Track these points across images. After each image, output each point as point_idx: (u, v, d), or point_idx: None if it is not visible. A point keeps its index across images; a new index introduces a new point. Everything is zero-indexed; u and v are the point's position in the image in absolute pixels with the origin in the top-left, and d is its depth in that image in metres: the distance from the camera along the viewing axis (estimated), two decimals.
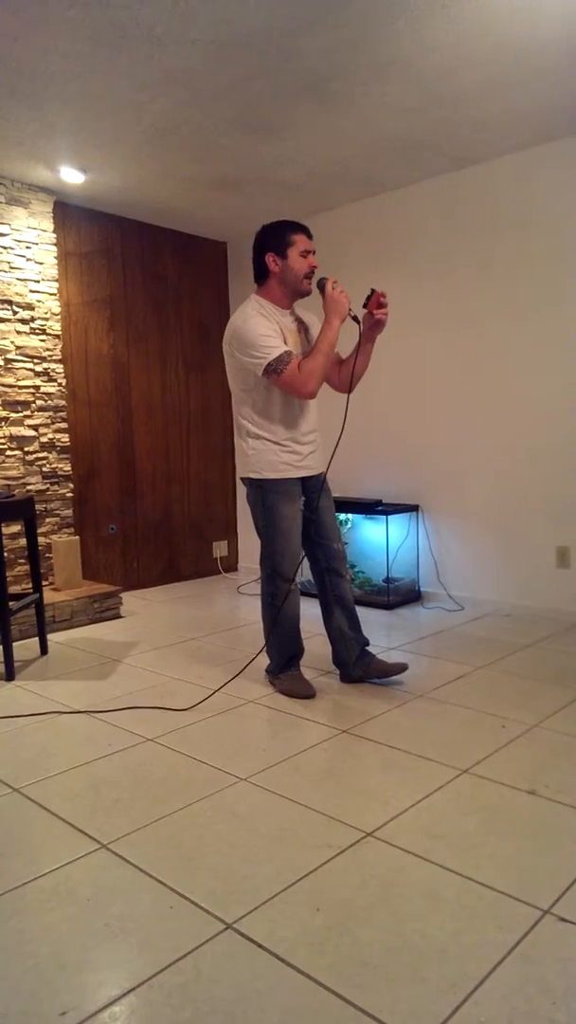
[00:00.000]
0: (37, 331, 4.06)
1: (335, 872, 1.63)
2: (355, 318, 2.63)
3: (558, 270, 3.67)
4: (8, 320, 3.92)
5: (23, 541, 3.96)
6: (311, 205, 4.49)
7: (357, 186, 4.21)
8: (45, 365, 4.10)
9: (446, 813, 1.87)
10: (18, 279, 3.95)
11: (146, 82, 2.95)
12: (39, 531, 4.04)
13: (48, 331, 4.11)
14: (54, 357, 4.14)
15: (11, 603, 3.18)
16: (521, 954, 1.35)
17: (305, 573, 2.94)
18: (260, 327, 2.56)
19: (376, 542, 4.33)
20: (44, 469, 4.12)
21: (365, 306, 2.66)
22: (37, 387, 4.07)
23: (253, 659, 2.95)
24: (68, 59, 2.75)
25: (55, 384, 4.15)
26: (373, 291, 2.65)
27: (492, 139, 3.59)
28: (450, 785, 2.01)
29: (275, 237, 2.64)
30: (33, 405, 4.06)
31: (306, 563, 2.89)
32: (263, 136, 3.49)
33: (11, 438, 3.96)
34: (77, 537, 4.20)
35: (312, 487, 2.78)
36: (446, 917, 1.46)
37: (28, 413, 4.04)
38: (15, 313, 3.95)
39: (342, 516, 4.38)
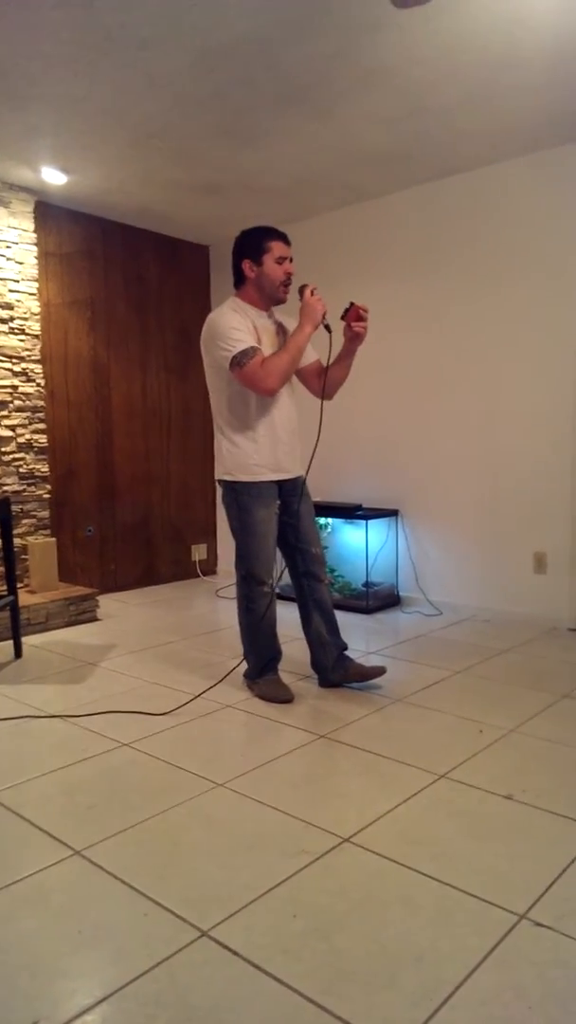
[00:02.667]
0: (16, 331, 4.02)
1: (312, 878, 1.62)
2: (327, 327, 2.65)
3: (538, 279, 3.71)
4: None
5: None
6: (293, 211, 4.50)
7: (339, 193, 4.22)
8: (24, 365, 4.06)
9: (423, 818, 1.87)
10: None
11: (130, 86, 2.94)
12: (15, 532, 4.00)
13: (27, 331, 4.07)
14: (33, 357, 4.11)
15: None
16: (497, 959, 1.36)
17: (283, 577, 2.94)
18: (232, 321, 2.60)
19: (356, 547, 4.34)
20: (21, 470, 4.08)
21: (343, 318, 2.67)
22: (15, 387, 4.03)
23: (235, 668, 2.93)
24: (52, 61, 2.74)
25: (33, 384, 4.11)
26: (352, 304, 2.66)
27: (473, 150, 3.63)
28: (427, 790, 2.02)
29: (252, 243, 2.66)
30: (11, 405, 4.01)
31: (285, 567, 2.88)
32: (245, 143, 3.49)
33: None
34: (54, 539, 4.16)
35: (290, 490, 2.78)
36: (423, 923, 1.46)
37: (5, 413, 3.99)
38: None
39: (322, 520, 4.39)
